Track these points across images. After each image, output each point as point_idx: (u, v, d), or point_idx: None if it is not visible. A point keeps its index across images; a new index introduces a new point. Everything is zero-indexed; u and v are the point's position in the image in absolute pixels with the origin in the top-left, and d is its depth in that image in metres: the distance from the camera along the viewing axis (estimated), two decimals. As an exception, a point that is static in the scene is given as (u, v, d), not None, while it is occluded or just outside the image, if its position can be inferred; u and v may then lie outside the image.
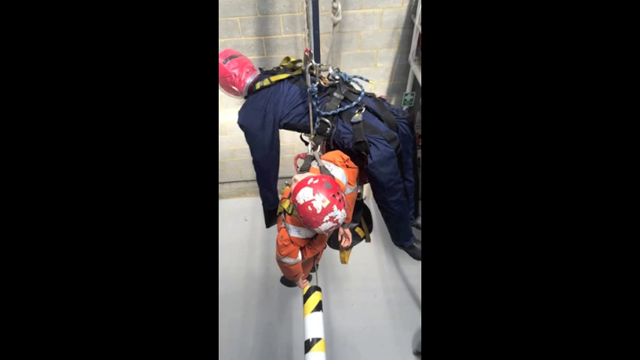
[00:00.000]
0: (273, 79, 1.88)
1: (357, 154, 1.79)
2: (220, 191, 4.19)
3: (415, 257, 2.13)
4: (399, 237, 2.09)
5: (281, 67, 2.00)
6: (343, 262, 2.20)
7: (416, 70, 3.07)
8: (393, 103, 3.58)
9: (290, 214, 1.70)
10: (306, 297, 1.96)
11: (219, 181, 4.07)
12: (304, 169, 1.81)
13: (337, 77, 1.85)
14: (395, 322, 3.17)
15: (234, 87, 1.94)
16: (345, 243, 1.99)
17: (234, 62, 1.92)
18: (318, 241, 1.82)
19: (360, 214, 2.18)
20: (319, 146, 1.87)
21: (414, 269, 3.17)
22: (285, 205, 1.73)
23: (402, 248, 2.13)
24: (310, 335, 1.78)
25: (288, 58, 2.03)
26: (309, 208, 1.46)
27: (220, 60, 1.91)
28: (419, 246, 2.08)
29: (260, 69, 2.02)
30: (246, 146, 3.82)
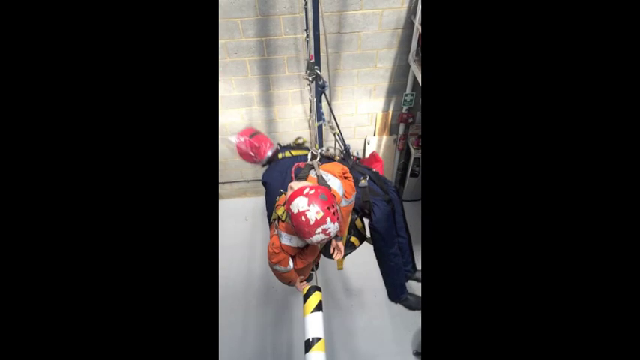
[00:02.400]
0: (295, 152, 2.27)
1: (361, 212, 2.04)
2: (221, 191, 4.20)
3: (410, 308, 2.43)
4: (395, 291, 2.36)
5: (294, 145, 2.39)
6: (339, 267, 2.21)
7: (416, 71, 3.08)
8: (393, 103, 3.59)
9: (283, 221, 1.69)
10: (306, 297, 1.96)
11: (220, 181, 4.07)
12: (302, 177, 1.82)
13: (344, 150, 2.31)
14: (395, 322, 3.17)
15: (256, 158, 2.27)
16: (337, 256, 2.00)
17: (258, 138, 2.27)
18: (309, 251, 1.79)
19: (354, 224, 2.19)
20: (319, 156, 1.93)
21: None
22: (280, 211, 1.73)
23: (398, 301, 2.41)
24: (310, 335, 1.79)
25: (299, 138, 2.40)
26: (303, 218, 1.45)
27: (246, 136, 2.25)
28: (412, 298, 2.39)
29: (278, 144, 2.40)
30: (247, 146, 3.75)
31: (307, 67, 2.22)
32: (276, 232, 1.76)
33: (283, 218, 1.69)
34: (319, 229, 1.46)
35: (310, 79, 2.24)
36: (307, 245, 1.76)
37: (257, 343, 3.09)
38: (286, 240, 1.70)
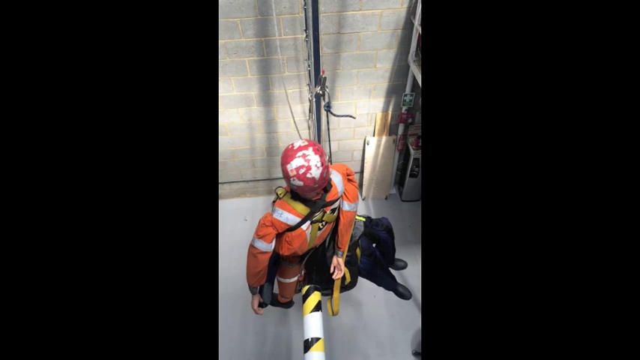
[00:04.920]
0: None
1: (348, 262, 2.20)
2: (220, 191, 4.19)
3: (403, 297, 2.77)
4: (387, 286, 2.69)
5: None
6: (334, 311, 2.19)
7: (415, 71, 3.08)
8: (392, 103, 3.59)
9: (280, 199, 1.75)
10: (305, 297, 1.96)
11: (220, 181, 4.07)
12: None
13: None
14: (394, 322, 3.17)
15: None
16: (336, 275, 2.00)
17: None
18: (296, 235, 1.79)
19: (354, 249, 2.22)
20: (326, 158, 2.00)
21: (413, 270, 3.18)
22: (279, 191, 1.79)
23: (393, 292, 2.74)
24: (309, 335, 1.79)
25: None
26: (289, 146, 1.57)
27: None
28: (401, 288, 2.76)
29: None
30: (246, 147, 3.81)
31: (318, 82, 2.31)
32: (271, 210, 1.79)
33: (281, 196, 1.75)
34: (300, 153, 1.53)
35: (321, 92, 2.31)
36: (295, 228, 1.76)
37: (256, 343, 3.09)
38: (277, 215, 1.71)
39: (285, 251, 1.85)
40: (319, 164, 1.54)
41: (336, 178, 1.78)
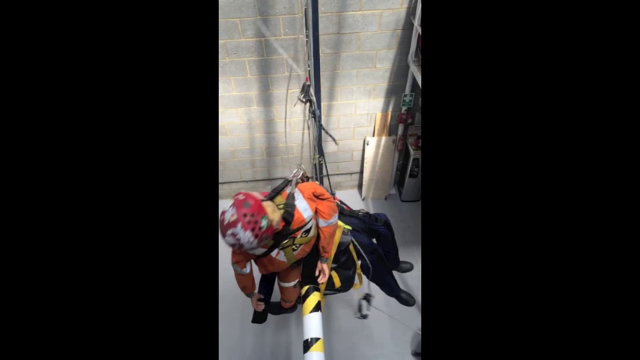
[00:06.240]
0: None
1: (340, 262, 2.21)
2: (220, 192, 4.19)
3: (406, 304, 2.81)
4: (389, 292, 2.72)
5: None
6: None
7: (415, 71, 3.08)
8: (392, 103, 3.59)
9: None
10: (305, 297, 1.96)
11: (219, 181, 4.07)
12: (278, 189, 1.82)
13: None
14: (394, 322, 3.17)
15: None
16: (321, 279, 2.02)
17: None
18: (267, 260, 1.80)
19: (345, 258, 2.20)
20: (302, 173, 2.02)
21: (413, 270, 3.18)
22: None
23: (393, 296, 2.78)
24: (309, 335, 1.79)
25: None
26: (221, 217, 1.48)
27: None
28: (404, 294, 2.80)
29: None
30: (246, 147, 3.80)
31: (302, 90, 2.25)
32: None
33: None
34: (229, 231, 1.45)
35: (305, 100, 2.26)
36: (266, 253, 1.77)
37: (256, 343, 3.09)
38: None
39: (263, 271, 1.91)
40: (251, 238, 1.46)
41: (301, 205, 1.74)
